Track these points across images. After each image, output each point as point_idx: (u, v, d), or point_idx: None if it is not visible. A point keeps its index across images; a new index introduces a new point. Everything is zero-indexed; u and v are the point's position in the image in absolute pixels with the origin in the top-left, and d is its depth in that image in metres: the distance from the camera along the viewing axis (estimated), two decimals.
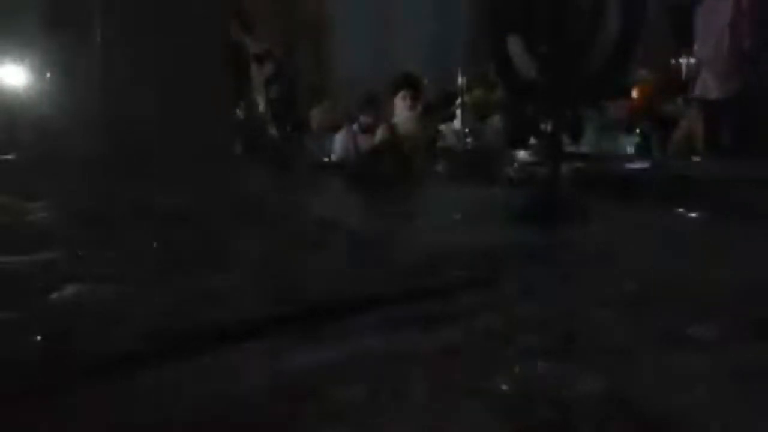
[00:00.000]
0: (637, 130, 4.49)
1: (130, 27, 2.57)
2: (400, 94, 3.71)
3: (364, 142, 3.89)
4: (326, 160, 4.18)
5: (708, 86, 3.08)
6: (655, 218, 1.84)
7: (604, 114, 4.28)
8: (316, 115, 4.84)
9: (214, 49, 2.88)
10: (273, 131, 3.92)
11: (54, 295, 1.03)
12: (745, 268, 1.23)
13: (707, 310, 0.97)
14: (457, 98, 5.31)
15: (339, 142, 4.20)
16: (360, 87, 4.52)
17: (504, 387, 0.68)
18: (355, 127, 4.11)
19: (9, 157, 2.94)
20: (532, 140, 2.02)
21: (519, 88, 1.84)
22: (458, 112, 5.26)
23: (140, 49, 2.55)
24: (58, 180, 2.28)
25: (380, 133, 3.62)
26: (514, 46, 1.78)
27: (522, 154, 2.94)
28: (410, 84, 3.85)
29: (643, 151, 4.31)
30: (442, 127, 5.13)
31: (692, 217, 1.79)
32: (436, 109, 4.95)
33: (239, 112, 3.71)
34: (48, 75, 2.89)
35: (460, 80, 5.28)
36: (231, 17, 3.45)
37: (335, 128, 4.51)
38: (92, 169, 2.32)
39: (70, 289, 1.06)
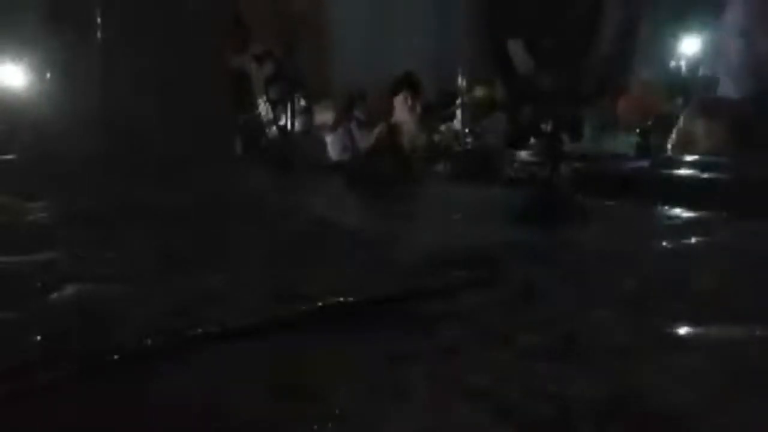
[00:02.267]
0: (637, 130, 4.49)
1: (130, 27, 2.57)
2: (401, 95, 3.71)
3: (362, 140, 3.89)
4: (326, 160, 4.18)
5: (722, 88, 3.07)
6: (655, 218, 1.84)
7: (604, 114, 4.28)
8: (316, 115, 4.84)
9: (215, 50, 2.88)
10: (273, 131, 3.92)
11: (54, 295, 1.03)
12: (745, 268, 1.23)
13: (707, 310, 0.97)
14: (457, 98, 5.30)
15: (337, 141, 4.20)
16: (360, 87, 4.53)
17: (504, 387, 0.68)
18: (352, 124, 4.11)
19: (9, 157, 2.94)
20: (532, 140, 2.02)
21: (519, 88, 1.83)
22: (458, 112, 5.25)
23: (140, 48, 2.55)
24: (58, 180, 2.28)
25: (378, 131, 3.62)
26: (514, 46, 1.77)
27: (522, 154, 2.94)
28: (410, 84, 3.84)
29: (643, 151, 4.30)
30: (442, 127, 5.12)
31: (692, 217, 1.79)
32: (436, 109, 4.94)
33: (239, 112, 3.71)
34: (48, 75, 2.88)
35: (460, 80, 5.27)
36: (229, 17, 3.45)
37: (335, 128, 4.52)
38: (92, 169, 2.32)
39: (70, 289, 1.06)
